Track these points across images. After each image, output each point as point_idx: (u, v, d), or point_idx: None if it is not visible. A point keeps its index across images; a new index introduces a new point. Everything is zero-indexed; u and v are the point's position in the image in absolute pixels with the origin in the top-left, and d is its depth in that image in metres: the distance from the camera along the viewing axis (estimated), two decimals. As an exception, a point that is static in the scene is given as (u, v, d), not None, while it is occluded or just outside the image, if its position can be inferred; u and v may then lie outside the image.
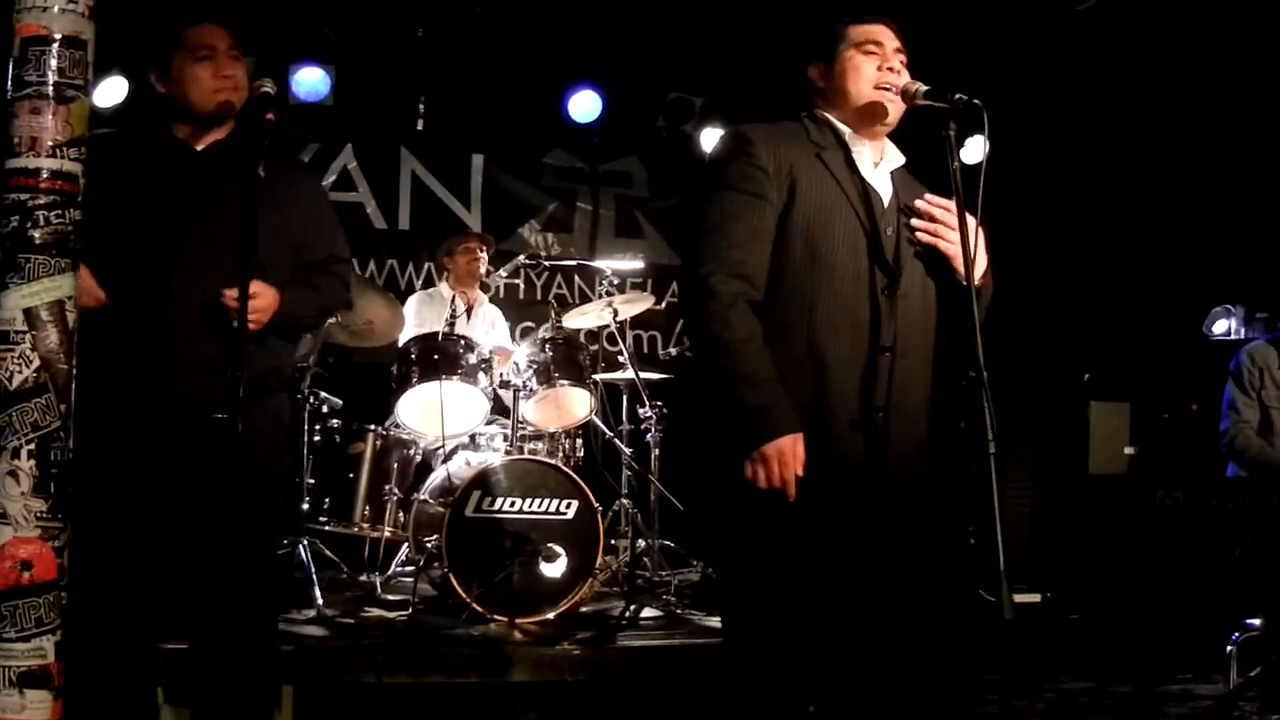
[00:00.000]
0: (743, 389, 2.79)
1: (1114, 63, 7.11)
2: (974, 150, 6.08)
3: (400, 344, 6.13)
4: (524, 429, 6.01)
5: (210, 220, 3.37)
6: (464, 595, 5.24)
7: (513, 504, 5.42)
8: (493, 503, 5.40)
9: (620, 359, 6.46)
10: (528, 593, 5.29)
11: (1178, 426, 7.29)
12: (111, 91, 6.89)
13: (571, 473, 5.61)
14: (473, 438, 6.06)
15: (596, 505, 5.53)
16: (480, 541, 5.32)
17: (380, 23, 7.44)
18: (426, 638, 5.04)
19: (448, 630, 5.15)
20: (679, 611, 5.77)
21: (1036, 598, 6.72)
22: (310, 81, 7.57)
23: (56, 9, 2.57)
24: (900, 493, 2.93)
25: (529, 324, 8.16)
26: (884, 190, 3.05)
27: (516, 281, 8.38)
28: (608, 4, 7.11)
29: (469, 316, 6.85)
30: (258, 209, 3.22)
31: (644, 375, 6.32)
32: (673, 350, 8.02)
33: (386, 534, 5.93)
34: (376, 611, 5.56)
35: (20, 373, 2.54)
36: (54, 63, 2.57)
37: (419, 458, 6.11)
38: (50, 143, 2.57)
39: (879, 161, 3.08)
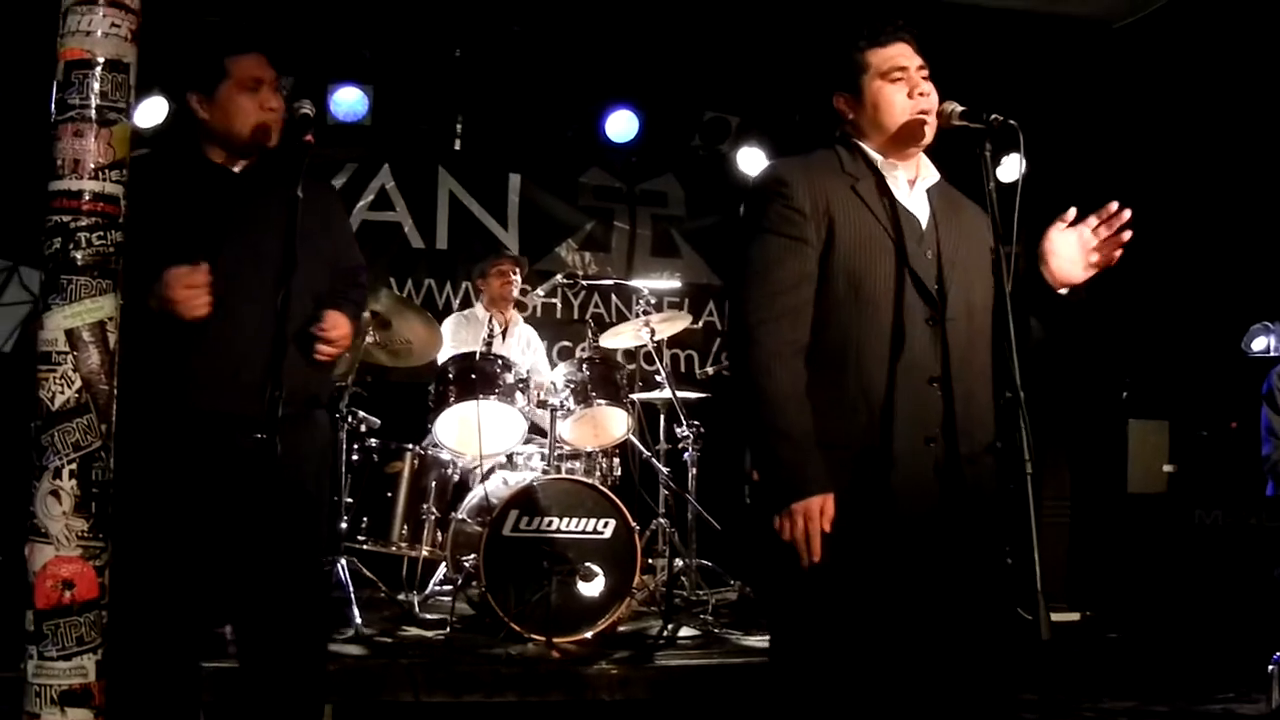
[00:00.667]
0: (780, 443, 2.80)
1: (1150, 80, 7.06)
2: (1010, 169, 6.07)
3: (438, 363, 6.16)
4: (561, 448, 6.03)
5: (250, 242, 3.39)
6: (502, 614, 5.25)
7: (550, 523, 5.43)
8: (530, 522, 5.41)
9: (657, 378, 6.46)
10: (565, 612, 5.31)
11: (1217, 444, 7.23)
12: (152, 112, 6.91)
13: (609, 492, 5.63)
14: (510, 457, 6.09)
15: (634, 524, 5.55)
16: (518, 561, 5.34)
17: (418, 43, 7.47)
18: (464, 657, 5.05)
19: (485, 649, 5.16)
20: (716, 631, 5.76)
21: (1075, 616, 6.67)
22: (348, 102, 7.60)
23: (100, 33, 2.61)
24: (961, 521, 2.89)
25: (566, 343, 8.20)
26: (921, 213, 3.02)
27: (554, 301, 8.41)
28: (644, 24, 7.11)
29: (504, 337, 6.88)
30: (296, 230, 3.26)
31: (681, 394, 6.31)
32: (710, 369, 8.03)
33: (424, 553, 5.95)
34: (414, 630, 5.57)
35: (62, 393, 2.57)
36: (97, 86, 2.61)
37: (457, 477, 6.13)
38: (93, 165, 2.61)
39: (914, 179, 3.06)
